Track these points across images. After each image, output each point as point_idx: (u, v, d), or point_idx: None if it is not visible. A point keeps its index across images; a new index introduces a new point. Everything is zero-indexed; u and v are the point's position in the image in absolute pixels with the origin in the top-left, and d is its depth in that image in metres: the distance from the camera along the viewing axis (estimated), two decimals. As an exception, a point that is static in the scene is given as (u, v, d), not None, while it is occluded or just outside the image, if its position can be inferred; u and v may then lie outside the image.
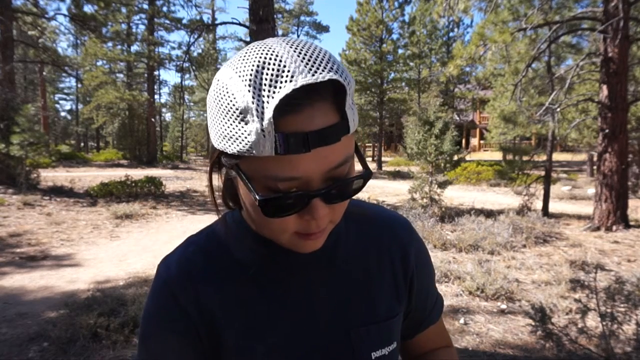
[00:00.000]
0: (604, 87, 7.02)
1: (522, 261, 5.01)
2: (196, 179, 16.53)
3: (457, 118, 28.24)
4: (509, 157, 9.45)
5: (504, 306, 3.67)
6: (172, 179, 15.57)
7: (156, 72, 27.58)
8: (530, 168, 8.56)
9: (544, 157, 8.86)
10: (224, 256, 0.58)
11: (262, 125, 0.41)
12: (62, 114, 44.54)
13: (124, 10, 21.15)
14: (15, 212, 7.86)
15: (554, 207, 9.06)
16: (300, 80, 0.40)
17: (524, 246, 5.78)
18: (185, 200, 10.88)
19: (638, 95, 8.81)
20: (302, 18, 38.16)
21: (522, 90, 8.71)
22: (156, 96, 29.65)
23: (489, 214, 7.63)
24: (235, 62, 0.44)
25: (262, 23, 4.81)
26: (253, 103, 0.41)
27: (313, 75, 0.41)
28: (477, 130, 32.56)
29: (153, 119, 25.26)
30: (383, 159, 25.35)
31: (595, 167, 9.96)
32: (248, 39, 4.96)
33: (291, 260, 0.58)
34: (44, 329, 3.09)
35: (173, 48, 28.36)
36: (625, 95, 7.06)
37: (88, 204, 9.29)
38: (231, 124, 0.43)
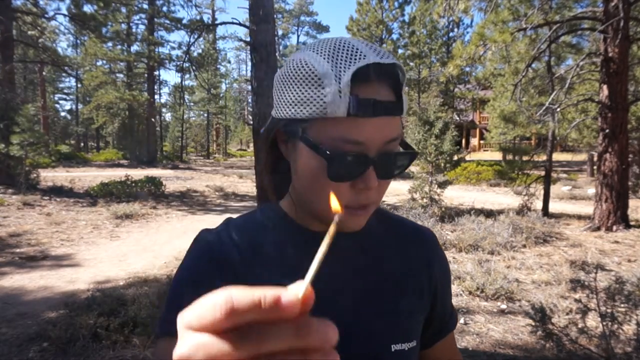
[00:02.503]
0: (604, 87, 7.02)
1: (522, 261, 5.01)
2: (196, 179, 16.52)
3: (457, 118, 28.21)
4: (509, 157, 9.46)
5: (504, 306, 3.66)
6: (172, 179, 15.56)
7: (156, 72, 27.57)
8: (530, 168, 8.56)
9: (544, 157, 8.86)
10: (259, 239, 0.62)
11: (339, 87, 0.49)
12: (62, 114, 44.43)
13: (123, 10, 21.15)
14: (15, 212, 7.86)
15: (554, 207, 9.06)
16: (371, 60, 0.50)
17: (524, 246, 5.78)
18: (185, 200, 10.88)
19: (638, 95, 8.81)
20: (302, 18, 38.17)
21: (522, 90, 8.71)
22: (156, 96, 29.64)
23: (489, 214, 7.63)
24: (311, 46, 0.54)
25: (262, 23, 4.80)
26: (332, 70, 0.49)
27: (381, 58, 0.51)
28: (477, 130, 32.54)
29: (153, 119, 25.25)
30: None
31: (595, 167, 9.95)
32: (248, 39, 4.96)
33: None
34: (44, 329, 3.09)
35: (173, 48, 28.33)
36: (626, 95, 7.06)
37: (88, 204, 9.29)
38: (308, 89, 0.51)
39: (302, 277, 0.58)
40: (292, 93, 0.52)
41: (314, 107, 0.50)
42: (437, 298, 0.69)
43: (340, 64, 0.49)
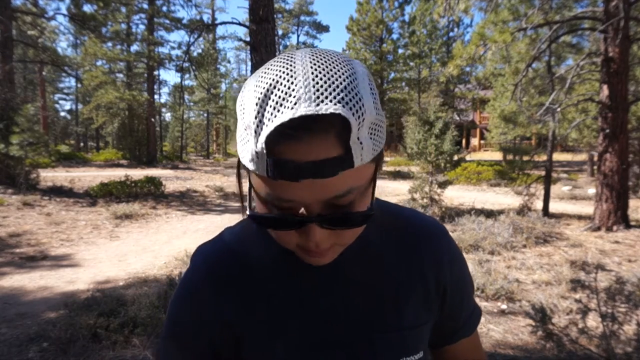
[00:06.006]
0: (605, 87, 7.02)
1: (523, 261, 5.00)
2: (196, 179, 16.52)
3: (457, 118, 28.23)
4: (509, 157, 9.46)
5: (504, 306, 3.66)
6: (172, 179, 15.55)
7: (156, 72, 27.58)
8: (531, 168, 8.56)
9: (544, 157, 8.86)
10: (252, 254, 0.60)
11: (256, 147, 0.42)
12: (62, 114, 44.55)
13: (123, 10, 21.14)
14: (15, 212, 7.85)
15: (555, 207, 9.06)
16: (301, 110, 0.40)
17: (524, 246, 5.77)
18: (185, 200, 10.87)
19: (638, 95, 8.81)
20: (302, 18, 38.18)
21: (523, 90, 8.71)
22: (156, 96, 29.65)
23: (489, 214, 7.62)
24: (262, 71, 0.46)
25: (262, 23, 4.80)
26: (254, 123, 0.42)
27: (317, 105, 0.40)
28: (477, 130, 32.56)
29: (153, 119, 25.25)
30: (383, 158, 25.34)
31: (595, 167, 9.96)
32: (248, 39, 4.96)
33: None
34: (44, 329, 3.09)
35: (173, 48, 28.36)
36: (626, 95, 7.06)
37: (88, 204, 9.29)
38: (241, 137, 0.45)
39: (295, 285, 0.58)
40: (237, 133, 0.47)
41: (245, 157, 0.45)
42: (447, 300, 0.64)
43: (266, 114, 0.41)
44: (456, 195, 11.39)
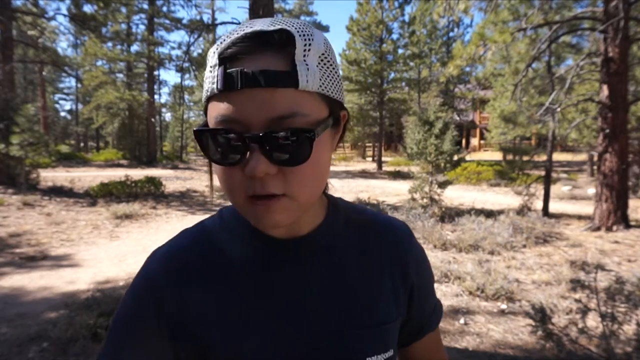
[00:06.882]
0: (605, 87, 7.02)
1: (522, 261, 5.00)
2: (196, 179, 16.53)
3: (457, 118, 28.20)
4: (509, 157, 9.47)
5: (504, 306, 3.66)
6: (172, 179, 15.56)
7: (156, 72, 27.57)
8: (530, 168, 8.57)
9: (544, 157, 8.86)
10: (216, 250, 0.57)
11: (213, 62, 0.46)
12: (62, 114, 44.57)
13: (123, 10, 21.14)
14: (15, 212, 7.85)
15: (554, 207, 9.06)
16: (256, 28, 0.45)
17: (524, 246, 5.77)
18: (185, 200, 10.87)
19: (638, 95, 8.81)
20: (302, 18, 38.17)
21: (522, 90, 8.72)
22: (156, 96, 29.63)
23: (489, 214, 7.62)
24: None
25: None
26: (217, 47, 0.46)
27: (268, 27, 0.45)
28: (477, 130, 32.54)
29: (153, 119, 25.24)
30: (383, 159, 25.33)
31: (595, 167, 9.96)
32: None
33: (286, 256, 0.57)
34: (44, 329, 3.09)
35: (173, 48, 28.41)
36: (626, 95, 7.06)
37: (88, 204, 9.29)
38: (208, 68, 0.48)
39: (264, 283, 0.57)
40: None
41: (205, 86, 0.48)
42: (414, 298, 0.65)
43: (227, 38, 0.46)
44: (456, 195, 11.39)
